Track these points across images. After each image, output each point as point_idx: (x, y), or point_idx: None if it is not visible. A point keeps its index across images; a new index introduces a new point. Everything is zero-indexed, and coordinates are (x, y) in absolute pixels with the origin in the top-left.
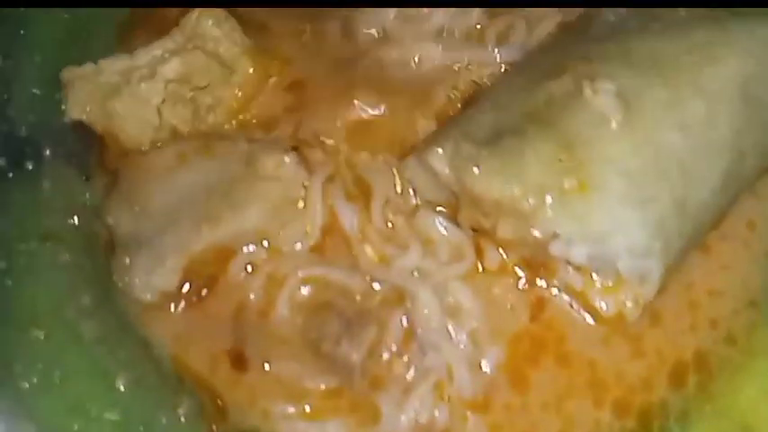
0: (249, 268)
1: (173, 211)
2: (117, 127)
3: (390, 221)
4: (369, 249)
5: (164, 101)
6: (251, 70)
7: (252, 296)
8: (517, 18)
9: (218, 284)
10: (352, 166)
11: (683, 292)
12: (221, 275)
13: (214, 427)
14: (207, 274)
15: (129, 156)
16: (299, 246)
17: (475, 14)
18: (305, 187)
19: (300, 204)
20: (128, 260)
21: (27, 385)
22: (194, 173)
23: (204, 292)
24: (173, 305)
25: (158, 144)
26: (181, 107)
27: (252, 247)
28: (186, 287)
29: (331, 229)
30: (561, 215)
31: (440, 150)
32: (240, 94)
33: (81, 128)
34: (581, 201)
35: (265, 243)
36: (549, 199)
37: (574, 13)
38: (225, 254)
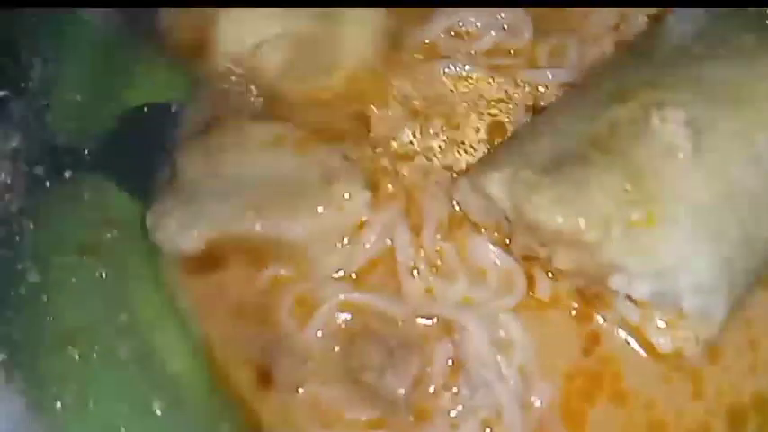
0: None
1: (236, 184)
2: None
3: (439, 249)
4: (416, 279)
5: None
6: None
7: (281, 313)
8: (569, 37)
9: (247, 294)
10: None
11: (744, 329)
12: (251, 285)
13: None
14: (239, 278)
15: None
16: (338, 272)
17: (527, 35)
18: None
19: (347, 240)
20: (170, 204)
21: (60, 406)
22: (277, 160)
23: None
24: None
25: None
26: None
27: (287, 263)
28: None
29: (377, 258)
30: (627, 248)
31: (497, 175)
32: None
33: (123, 137)
34: (648, 234)
35: (302, 261)
36: (614, 231)
37: (630, 32)
38: (260, 259)
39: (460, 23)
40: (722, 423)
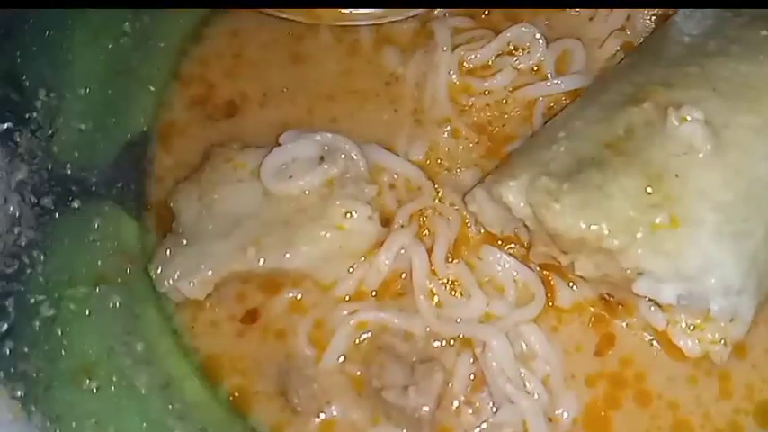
0: (295, 308)
1: (233, 221)
2: None
3: (454, 266)
4: (433, 298)
5: None
6: None
7: (297, 341)
8: (575, 43)
9: (261, 318)
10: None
11: None
12: (264, 309)
13: None
14: (252, 304)
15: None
16: (350, 292)
17: (538, 53)
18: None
19: (362, 258)
20: (169, 252)
21: None
22: (273, 191)
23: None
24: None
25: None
26: None
27: (299, 288)
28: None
29: (392, 277)
30: (652, 252)
31: (513, 183)
32: None
33: (129, 163)
34: (673, 237)
35: (314, 286)
36: (639, 235)
37: (636, 33)
38: (272, 285)
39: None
40: (752, 421)
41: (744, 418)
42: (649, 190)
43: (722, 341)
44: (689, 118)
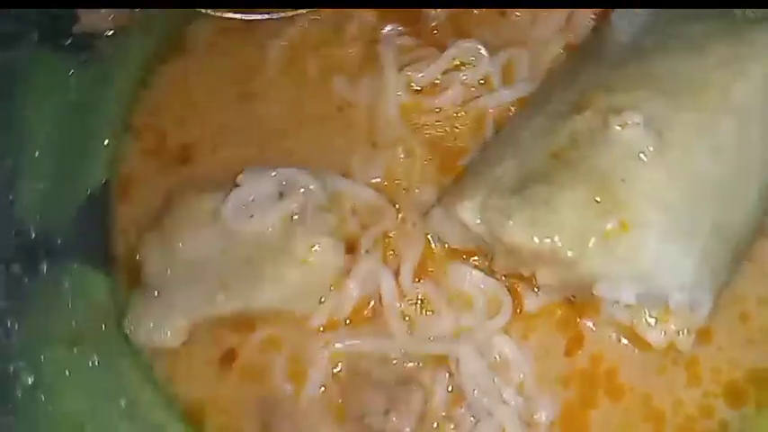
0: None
1: (200, 267)
2: None
3: (421, 285)
4: (403, 319)
5: None
6: None
7: (275, 377)
8: (517, 49)
9: (238, 358)
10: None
11: (734, 304)
12: (241, 349)
13: None
14: (228, 344)
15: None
16: (322, 323)
17: (483, 66)
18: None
19: (330, 288)
20: (140, 304)
21: None
22: (234, 232)
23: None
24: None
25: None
26: None
27: (272, 325)
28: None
29: (361, 303)
30: (606, 258)
31: (467, 204)
32: None
33: (91, 218)
34: (624, 241)
35: (287, 322)
36: (591, 243)
37: (578, 35)
38: (246, 325)
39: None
40: (722, 403)
41: (714, 401)
42: (597, 198)
43: (685, 330)
44: (630, 122)
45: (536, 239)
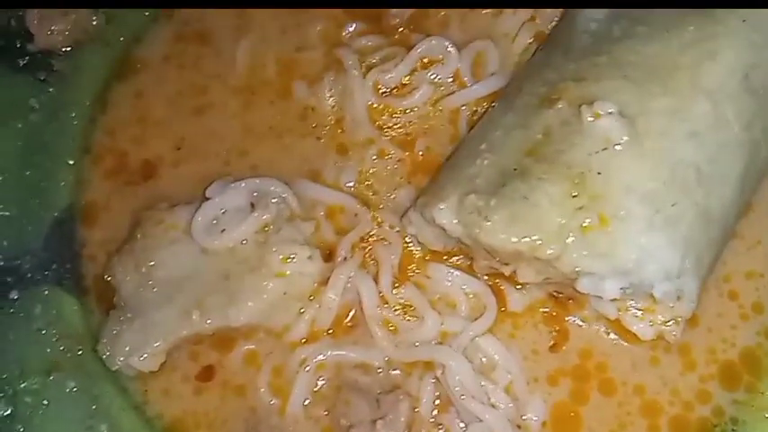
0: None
1: (174, 286)
2: None
3: (402, 291)
4: (387, 326)
5: None
6: None
7: (259, 392)
8: (484, 43)
9: (216, 375)
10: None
11: (720, 285)
12: (220, 365)
13: None
14: (207, 361)
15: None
16: (303, 335)
17: (453, 62)
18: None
19: (310, 298)
20: (115, 330)
21: None
22: (207, 247)
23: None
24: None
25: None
26: None
27: (252, 340)
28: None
29: (342, 311)
30: (586, 254)
31: (443, 206)
32: None
33: (59, 241)
34: (604, 236)
35: (267, 335)
36: (570, 240)
37: (546, 24)
38: (225, 342)
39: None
40: (717, 386)
41: (710, 385)
42: (574, 193)
43: (673, 321)
44: (602, 113)
45: (515, 238)
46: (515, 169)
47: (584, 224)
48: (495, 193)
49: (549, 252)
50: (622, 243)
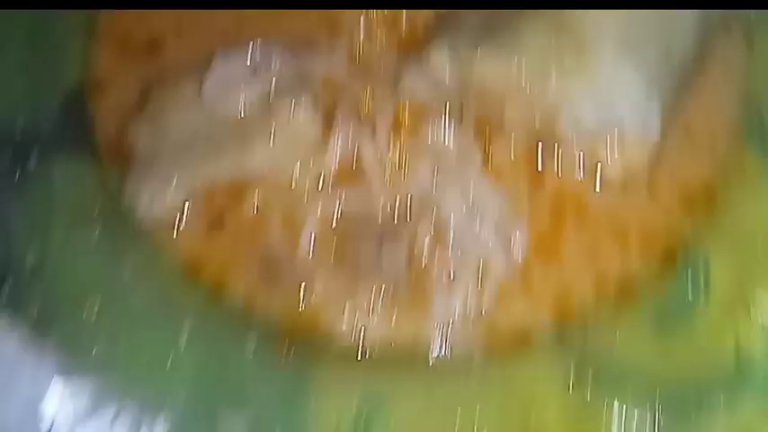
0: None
1: (187, 145)
2: None
3: (399, 142)
4: (384, 174)
5: None
6: None
7: (270, 236)
8: None
9: (230, 222)
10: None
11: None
12: (231, 213)
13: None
14: (219, 210)
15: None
16: (312, 183)
17: None
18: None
19: (314, 144)
20: (136, 179)
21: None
22: (217, 112)
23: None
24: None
25: None
26: None
27: (263, 187)
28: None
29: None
30: (568, 89)
31: (435, 51)
32: None
33: (74, 111)
34: (582, 72)
35: (277, 182)
36: (553, 77)
37: None
38: (235, 193)
39: None
40: (680, 220)
41: (671, 218)
42: (558, 38)
43: (640, 153)
44: None
45: (501, 75)
46: (504, 22)
47: (564, 64)
48: (484, 38)
49: (534, 89)
50: (597, 77)
